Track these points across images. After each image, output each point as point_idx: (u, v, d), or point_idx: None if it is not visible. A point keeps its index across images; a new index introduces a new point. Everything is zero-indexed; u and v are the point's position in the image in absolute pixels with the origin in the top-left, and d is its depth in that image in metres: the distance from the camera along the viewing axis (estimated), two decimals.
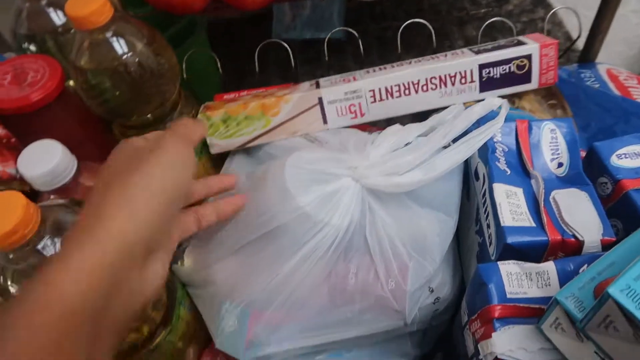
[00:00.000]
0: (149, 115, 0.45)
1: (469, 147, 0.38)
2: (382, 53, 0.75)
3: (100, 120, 0.48)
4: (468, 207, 0.45)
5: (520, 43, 0.51)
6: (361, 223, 0.38)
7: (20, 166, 0.35)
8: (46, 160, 0.35)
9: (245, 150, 0.51)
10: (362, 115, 0.50)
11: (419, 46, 0.71)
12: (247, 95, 0.54)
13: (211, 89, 0.60)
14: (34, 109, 0.40)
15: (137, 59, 0.41)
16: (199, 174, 0.52)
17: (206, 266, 0.40)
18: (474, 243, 0.43)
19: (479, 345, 0.32)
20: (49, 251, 0.29)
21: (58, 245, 0.29)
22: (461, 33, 0.78)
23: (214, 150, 0.50)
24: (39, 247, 0.29)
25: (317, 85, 0.50)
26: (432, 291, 0.41)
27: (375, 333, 0.39)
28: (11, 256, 0.28)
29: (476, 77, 0.49)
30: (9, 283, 0.29)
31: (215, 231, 0.41)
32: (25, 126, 0.40)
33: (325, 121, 0.49)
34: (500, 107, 0.42)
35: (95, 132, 0.47)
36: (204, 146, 0.51)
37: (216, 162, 0.54)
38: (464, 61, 0.49)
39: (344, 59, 0.74)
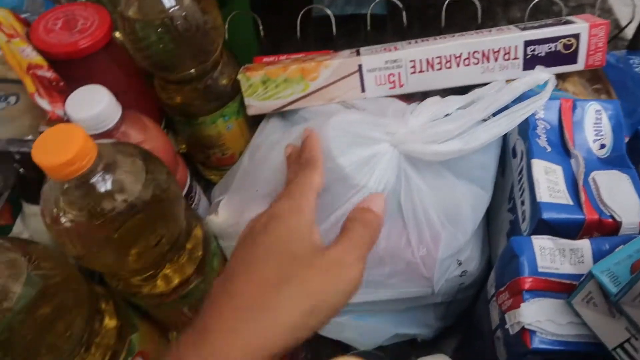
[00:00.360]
0: (192, 71, 0.45)
1: (511, 120, 0.37)
2: (424, 30, 0.73)
3: (142, 73, 0.49)
4: (502, 185, 0.44)
5: (568, 22, 0.49)
6: (396, 189, 0.38)
7: (69, 108, 0.37)
8: (93, 104, 0.36)
9: (281, 113, 0.51)
10: (400, 85, 0.49)
11: (461, 25, 0.70)
12: (286, 60, 0.54)
13: (249, 54, 0.61)
14: (81, 55, 0.41)
15: (183, 13, 0.41)
16: (235, 134, 0.53)
17: (240, 220, 0.41)
18: (504, 222, 0.43)
19: (505, 315, 0.32)
20: (101, 187, 0.30)
21: (109, 182, 0.30)
22: (506, 14, 0.76)
23: (250, 112, 0.50)
24: (92, 181, 0.30)
25: (358, 53, 0.50)
26: (460, 264, 0.41)
27: (400, 299, 0.40)
28: (65, 186, 0.29)
29: (520, 54, 0.48)
30: (61, 214, 0.31)
31: (252, 185, 0.42)
32: (72, 72, 0.41)
33: (363, 89, 0.49)
34: (546, 83, 0.41)
35: (137, 83, 0.48)
36: (241, 106, 0.52)
37: (252, 124, 0.54)
38: (509, 37, 0.48)
39: (383, 34, 0.73)
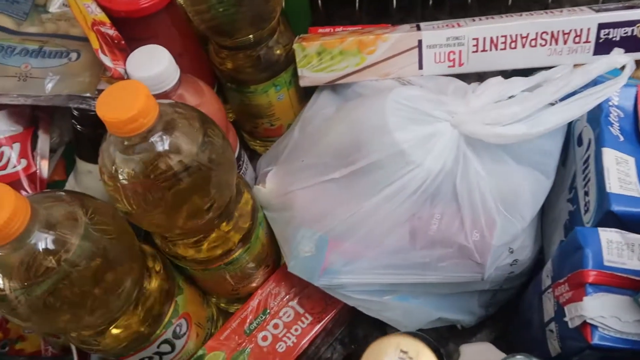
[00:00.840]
0: (250, 36, 0.45)
1: (583, 105, 0.35)
2: (483, 7, 0.70)
3: (198, 37, 0.49)
4: (562, 174, 0.42)
5: None
6: (453, 170, 0.37)
7: (129, 67, 0.37)
8: (154, 64, 0.36)
9: (333, 87, 0.50)
10: (460, 64, 0.47)
11: (523, 3, 0.67)
12: (343, 31, 0.53)
13: (302, 25, 0.59)
14: (142, 14, 0.41)
15: None
16: (285, 104, 0.52)
17: (287, 191, 0.41)
18: (562, 212, 0.41)
19: (565, 308, 0.31)
20: (159, 146, 0.30)
21: (167, 142, 0.30)
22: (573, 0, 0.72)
23: (303, 83, 0.49)
24: (152, 139, 0.30)
25: (418, 28, 0.48)
26: (512, 252, 0.40)
27: (447, 283, 0.39)
28: (125, 143, 0.30)
29: (592, 38, 0.46)
30: (118, 171, 0.31)
31: (300, 157, 0.41)
32: (132, 31, 0.41)
33: (420, 66, 0.47)
34: (621, 68, 0.38)
35: (194, 47, 0.48)
36: (293, 77, 0.51)
37: (302, 96, 0.53)
38: (582, 18, 0.45)
39: (441, 11, 0.71)
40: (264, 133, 0.56)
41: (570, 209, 0.39)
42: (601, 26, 0.45)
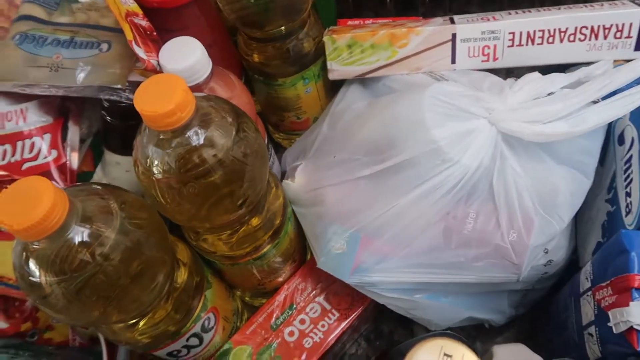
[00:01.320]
0: (281, 28, 0.44)
1: (627, 103, 0.34)
2: (516, 1, 0.69)
3: (227, 29, 0.48)
4: (600, 173, 0.41)
5: None
6: (490, 168, 0.36)
7: (162, 59, 0.36)
8: (187, 56, 0.36)
9: (362, 81, 0.49)
10: (494, 59, 0.46)
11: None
12: (373, 24, 0.52)
13: (328, 18, 0.58)
14: (174, 5, 0.40)
15: None
16: (312, 98, 0.52)
17: (318, 187, 0.40)
18: (600, 212, 0.40)
19: (610, 313, 0.30)
20: (195, 140, 0.30)
21: (203, 136, 0.30)
22: None
23: (332, 76, 0.48)
24: (188, 134, 0.29)
25: (452, 21, 0.47)
26: (547, 252, 0.39)
27: (480, 283, 0.38)
28: (161, 137, 0.29)
29: (635, 33, 0.44)
30: (153, 164, 0.30)
31: (332, 152, 0.41)
32: (163, 21, 0.41)
33: (453, 60, 0.46)
34: None
35: (223, 38, 0.47)
36: (322, 70, 0.50)
37: (329, 89, 0.53)
38: (625, 12, 0.43)
39: (469, 4, 0.69)
40: (290, 126, 0.55)
41: (609, 209, 0.38)
42: None
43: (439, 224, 0.36)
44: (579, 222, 0.44)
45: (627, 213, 0.35)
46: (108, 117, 0.42)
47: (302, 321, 0.42)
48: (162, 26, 0.41)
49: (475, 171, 0.35)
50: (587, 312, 0.33)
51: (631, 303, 0.28)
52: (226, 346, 0.42)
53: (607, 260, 0.32)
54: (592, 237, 0.40)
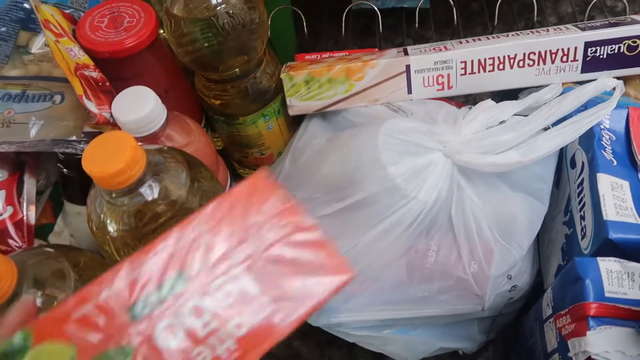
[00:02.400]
0: (236, 69, 0.44)
1: (574, 130, 0.35)
2: (468, 25, 0.71)
3: (184, 72, 0.48)
4: (556, 196, 0.42)
5: (634, 22, 0.46)
6: (448, 200, 0.36)
7: (115, 111, 0.36)
8: (140, 106, 0.36)
9: (322, 114, 0.50)
10: (449, 87, 0.47)
11: (507, 20, 0.67)
12: (330, 58, 0.52)
13: (287, 51, 0.59)
14: (127, 54, 0.40)
15: (230, 10, 0.40)
16: (275, 133, 0.52)
17: None
18: (559, 234, 0.41)
19: (569, 342, 0.30)
20: (148, 195, 0.29)
21: (156, 190, 0.30)
22: (555, 9, 0.72)
23: (292, 112, 0.49)
24: (140, 190, 0.29)
25: (405, 52, 0.48)
26: (510, 278, 0.39)
27: (447, 315, 0.38)
28: (113, 195, 0.29)
29: (580, 56, 0.46)
30: (107, 221, 0.30)
31: (293, 191, 0.41)
32: (116, 70, 0.41)
33: (409, 91, 0.47)
34: (610, 92, 0.38)
35: (180, 82, 0.47)
36: (282, 105, 0.50)
37: (291, 123, 0.53)
38: (569, 37, 0.45)
39: (425, 29, 0.71)
40: (255, 162, 0.55)
41: (567, 232, 0.39)
42: (588, 44, 0.45)
43: (402, 260, 0.37)
44: (540, 244, 0.44)
45: (583, 237, 0.36)
46: (65, 170, 0.42)
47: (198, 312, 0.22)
48: (116, 75, 0.41)
49: (433, 205, 0.36)
50: (551, 339, 0.34)
51: (588, 332, 0.29)
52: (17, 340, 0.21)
53: (564, 287, 0.33)
54: (553, 260, 0.41)
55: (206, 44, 0.42)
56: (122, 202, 0.29)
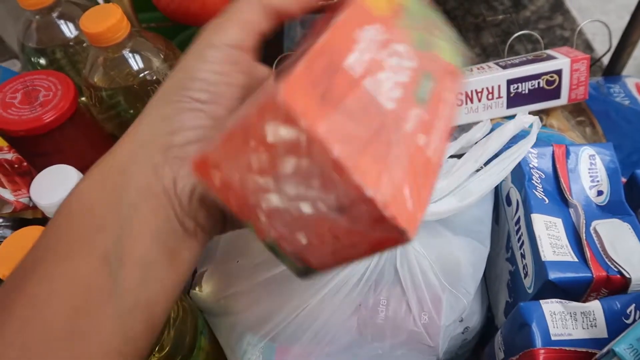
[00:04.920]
0: None
1: (503, 169, 0.36)
2: None
3: (110, 137, 0.46)
4: (497, 232, 0.43)
5: (549, 57, 0.49)
6: (392, 253, 0.36)
7: (34, 194, 0.33)
8: (61, 187, 0.33)
9: None
10: None
11: None
12: None
13: None
14: (46, 130, 0.38)
15: (153, 77, 0.39)
16: None
17: (226, 295, 0.39)
18: (503, 270, 0.42)
19: None
20: None
21: None
22: (477, 40, 0.76)
23: None
24: None
25: None
26: (462, 321, 0.39)
27: None
28: None
29: (504, 93, 0.48)
30: None
31: (236, 256, 0.39)
32: (36, 147, 0.38)
33: None
34: (531, 125, 0.40)
35: (106, 149, 0.45)
36: None
37: None
38: (492, 76, 0.47)
39: None
40: None
41: (510, 268, 0.40)
42: (510, 82, 0.47)
43: (353, 318, 0.36)
44: (488, 279, 0.45)
45: (525, 275, 0.36)
46: None
47: None
48: (35, 151, 0.38)
49: (378, 260, 0.35)
50: None
51: None
52: None
53: (513, 332, 0.33)
54: (501, 296, 0.41)
55: (131, 110, 0.40)
56: None
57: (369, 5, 0.21)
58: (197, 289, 0.41)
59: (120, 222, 0.20)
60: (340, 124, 0.17)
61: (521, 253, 0.37)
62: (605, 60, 0.59)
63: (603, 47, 0.59)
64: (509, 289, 0.40)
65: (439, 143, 0.21)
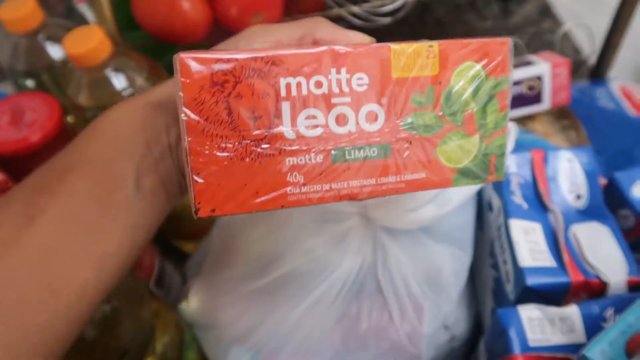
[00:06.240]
0: None
1: None
2: None
3: None
4: (482, 239, 0.43)
5: (530, 63, 0.49)
6: (373, 263, 0.36)
7: None
8: None
9: None
10: None
11: None
12: None
13: None
14: (32, 150, 0.39)
15: (136, 94, 0.40)
16: None
17: (213, 307, 0.39)
18: (488, 277, 0.42)
19: None
20: None
21: None
22: None
23: None
24: None
25: None
26: (448, 328, 0.39)
27: None
28: None
29: None
30: None
31: (222, 267, 0.40)
32: (23, 167, 0.39)
33: None
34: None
35: None
36: None
37: None
38: None
39: None
40: (189, 233, 0.54)
41: (495, 275, 0.40)
42: None
43: (337, 329, 0.36)
44: (476, 284, 0.45)
45: (507, 281, 0.36)
46: None
47: None
48: (21, 172, 0.39)
49: (359, 270, 0.36)
50: None
51: None
52: None
53: (493, 339, 0.33)
54: (487, 303, 0.42)
55: None
56: None
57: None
58: (184, 302, 0.42)
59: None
60: None
61: (503, 260, 0.38)
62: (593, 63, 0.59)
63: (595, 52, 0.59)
64: (494, 296, 0.40)
65: None
